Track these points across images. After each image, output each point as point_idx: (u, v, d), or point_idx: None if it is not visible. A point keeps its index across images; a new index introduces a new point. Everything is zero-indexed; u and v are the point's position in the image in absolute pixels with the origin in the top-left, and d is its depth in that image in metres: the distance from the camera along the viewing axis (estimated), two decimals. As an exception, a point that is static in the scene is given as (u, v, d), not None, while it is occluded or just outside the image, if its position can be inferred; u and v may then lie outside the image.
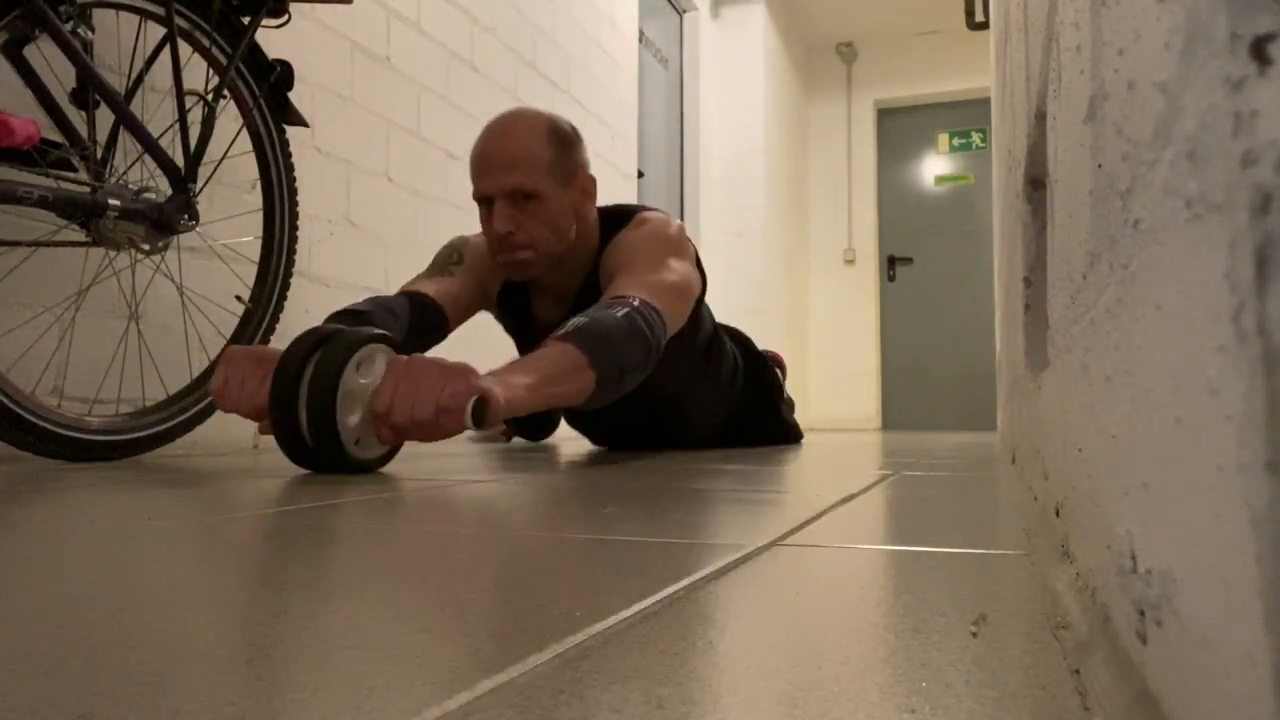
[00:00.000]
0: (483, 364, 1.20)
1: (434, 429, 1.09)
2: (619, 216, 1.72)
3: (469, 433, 2.09)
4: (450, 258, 1.75)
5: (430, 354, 1.24)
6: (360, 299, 1.54)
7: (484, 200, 1.58)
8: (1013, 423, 1.43)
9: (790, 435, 2.53)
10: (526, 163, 1.55)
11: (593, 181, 1.68)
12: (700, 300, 1.75)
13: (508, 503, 0.85)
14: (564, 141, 1.61)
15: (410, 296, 1.59)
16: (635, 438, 2.09)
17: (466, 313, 1.73)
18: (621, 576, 0.47)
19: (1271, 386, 0.15)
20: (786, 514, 0.75)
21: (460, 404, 1.07)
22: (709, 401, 2.08)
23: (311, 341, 1.11)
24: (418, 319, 1.57)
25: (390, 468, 1.22)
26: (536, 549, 0.57)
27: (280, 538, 0.61)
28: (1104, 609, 0.33)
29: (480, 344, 2.01)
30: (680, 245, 1.66)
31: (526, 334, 1.84)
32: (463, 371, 1.11)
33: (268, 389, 1.11)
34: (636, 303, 1.39)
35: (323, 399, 1.07)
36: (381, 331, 1.19)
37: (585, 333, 1.28)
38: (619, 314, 1.35)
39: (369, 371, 1.13)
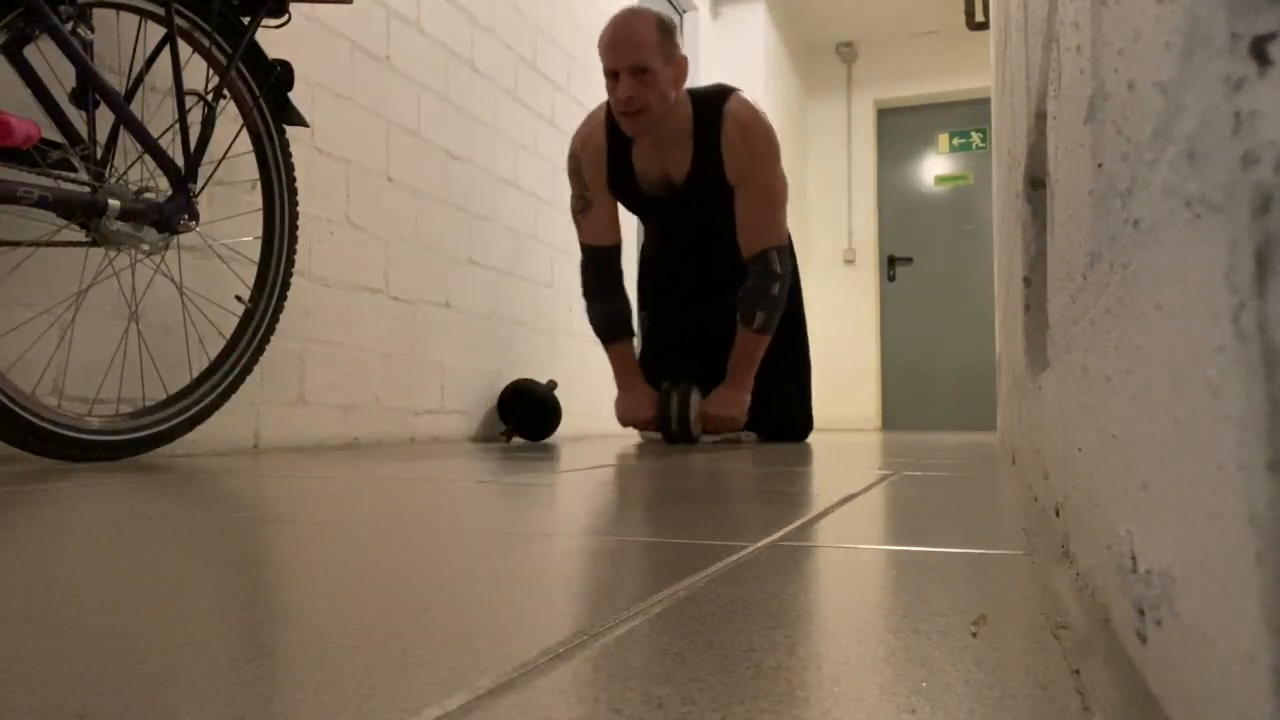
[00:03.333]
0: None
1: (734, 427, 2.47)
2: (712, 94, 2.35)
3: (472, 432, 2.55)
4: (582, 185, 2.43)
5: None
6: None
7: (611, 74, 2.23)
8: (1013, 423, 1.43)
9: (805, 417, 2.79)
10: (644, 44, 2.19)
11: (686, 61, 2.30)
12: None
13: (507, 504, 0.85)
14: (667, 30, 2.25)
15: (610, 266, 2.47)
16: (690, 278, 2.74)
17: (617, 212, 2.49)
18: (622, 576, 0.47)
19: (1271, 386, 0.15)
20: (786, 514, 0.75)
21: (744, 416, 2.48)
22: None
23: (668, 390, 2.40)
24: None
25: (390, 469, 1.23)
26: (536, 549, 0.57)
27: (280, 537, 0.61)
28: (1104, 609, 0.33)
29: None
30: (776, 142, 2.37)
31: (624, 183, 2.45)
32: (740, 400, 2.45)
33: (653, 413, 2.43)
34: (778, 267, 2.35)
35: (686, 416, 2.39)
36: (691, 385, 2.42)
37: (760, 319, 2.36)
38: (774, 291, 2.36)
39: (695, 399, 2.42)
